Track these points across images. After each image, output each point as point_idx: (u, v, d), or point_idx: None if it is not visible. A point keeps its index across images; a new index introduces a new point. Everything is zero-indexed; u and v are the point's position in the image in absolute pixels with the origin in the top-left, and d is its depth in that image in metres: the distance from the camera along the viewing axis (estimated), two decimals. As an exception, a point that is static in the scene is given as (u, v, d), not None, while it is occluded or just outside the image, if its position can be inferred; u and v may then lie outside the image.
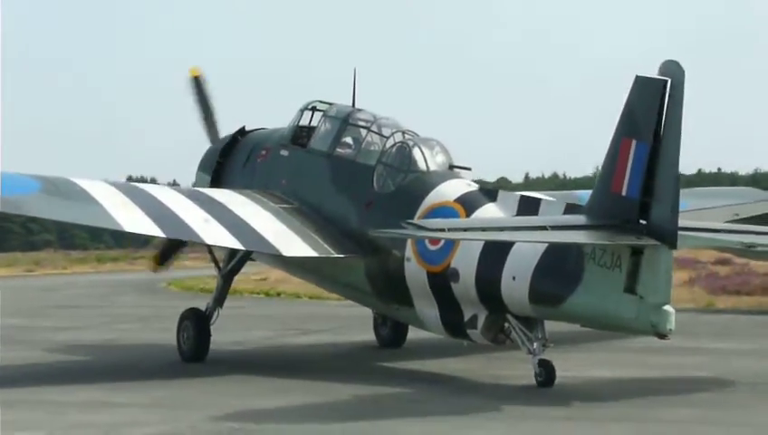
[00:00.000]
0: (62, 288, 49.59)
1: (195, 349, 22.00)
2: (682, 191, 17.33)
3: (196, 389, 18.81)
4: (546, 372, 17.88)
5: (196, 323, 22.14)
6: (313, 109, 22.63)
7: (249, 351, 24.43)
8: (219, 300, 22.51)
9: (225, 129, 24.44)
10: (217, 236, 20.26)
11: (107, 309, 37.25)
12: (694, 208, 23.84)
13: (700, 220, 21.36)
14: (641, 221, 16.55)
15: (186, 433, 14.74)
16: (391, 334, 24.05)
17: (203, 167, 24.23)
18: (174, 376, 20.17)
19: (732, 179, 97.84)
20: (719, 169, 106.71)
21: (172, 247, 24.18)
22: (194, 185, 24.14)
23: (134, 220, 20.06)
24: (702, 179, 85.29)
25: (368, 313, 23.99)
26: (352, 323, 28.23)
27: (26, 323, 31.19)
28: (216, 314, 22.41)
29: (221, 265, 22.89)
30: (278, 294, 41.95)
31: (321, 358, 23.32)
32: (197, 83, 24.66)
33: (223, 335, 23.81)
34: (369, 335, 24.55)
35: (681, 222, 16.58)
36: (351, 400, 17.17)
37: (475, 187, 19.85)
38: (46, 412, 16.55)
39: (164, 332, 25.16)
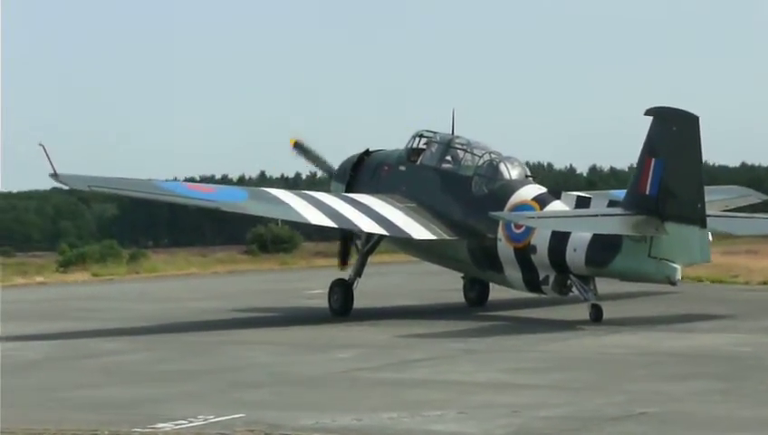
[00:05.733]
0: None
1: (342, 307, 29.72)
2: None
3: (596, 372, 18.95)
4: (596, 312, 26.00)
5: (343, 289, 29.94)
6: (421, 136, 30.81)
7: (653, 335, 24.33)
8: (359, 272, 30.27)
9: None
10: (370, 226, 28.61)
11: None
12: None
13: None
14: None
15: (592, 416, 14.62)
16: (477, 296, 31.46)
17: (338, 178, 32.27)
18: (572, 362, 20.37)
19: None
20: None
21: (346, 248, 31.64)
22: (330, 191, 31.47)
23: (316, 216, 28.24)
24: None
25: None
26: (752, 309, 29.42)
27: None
28: (356, 282, 30.09)
29: (360, 247, 30.85)
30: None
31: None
32: (301, 148, 32.95)
33: (629, 318, 27.05)
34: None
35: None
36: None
37: (544, 189, 28.46)
38: (454, 392, 17.06)
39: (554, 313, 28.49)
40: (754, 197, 37.15)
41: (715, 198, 34.59)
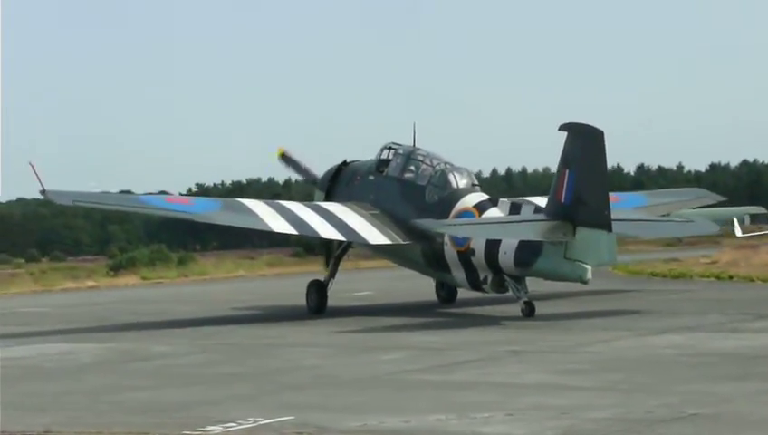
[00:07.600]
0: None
1: (317, 307, 32.66)
2: (647, 191, 33.12)
3: (646, 373, 18.67)
4: (529, 308, 28.78)
5: (318, 290, 32.98)
6: (389, 148, 33.67)
7: (701, 335, 23.96)
8: (333, 274, 33.65)
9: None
10: (330, 232, 31.49)
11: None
12: (651, 205, 36.12)
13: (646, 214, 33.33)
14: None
15: (643, 418, 14.42)
16: (447, 294, 34.59)
17: (320, 186, 35.29)
18: (620, 363, 20.07)
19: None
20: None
21: (329, 252, 34.32)
22: (314, 199, 34.89)
23: (279, 225, 31.11)
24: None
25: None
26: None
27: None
28: (330, 283, 33.26)
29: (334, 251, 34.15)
30: (730, 278, 40.56)
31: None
32: (286, 158, 35.96)
33: (677, 319, 27.26)
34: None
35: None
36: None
37: (485, 197, 31.39)
38: (502, 394, 16.91)
39: (615, 316, 28.89)
40: (710, 198, 39.01)
41: (672, 200, 37.73)
